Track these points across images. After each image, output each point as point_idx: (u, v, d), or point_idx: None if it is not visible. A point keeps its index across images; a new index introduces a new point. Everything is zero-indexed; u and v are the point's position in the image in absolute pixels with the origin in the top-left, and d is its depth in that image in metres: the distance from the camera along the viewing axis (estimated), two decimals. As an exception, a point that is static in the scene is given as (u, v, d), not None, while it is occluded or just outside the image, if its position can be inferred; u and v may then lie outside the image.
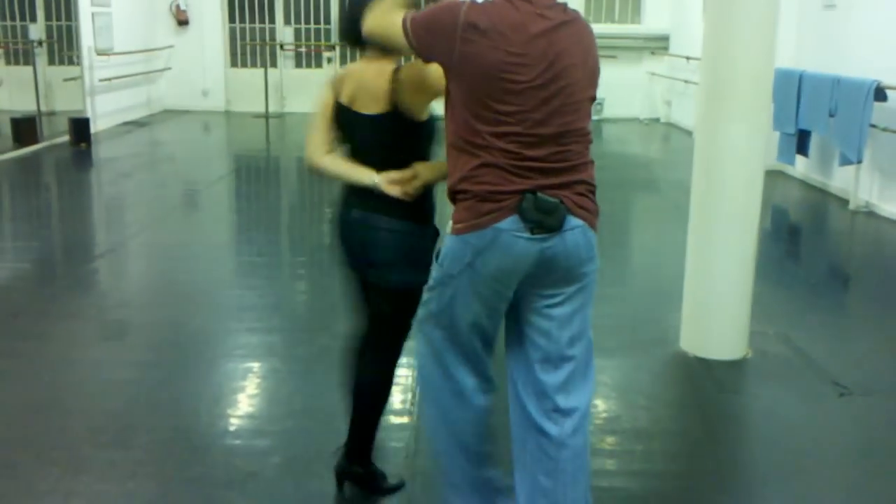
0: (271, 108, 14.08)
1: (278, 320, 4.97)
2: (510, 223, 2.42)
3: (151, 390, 4.01)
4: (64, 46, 13.39)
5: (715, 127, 4.24)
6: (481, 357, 2.70)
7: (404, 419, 3.75)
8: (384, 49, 2.74)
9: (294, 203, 8.79)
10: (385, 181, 2.75)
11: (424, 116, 2.80)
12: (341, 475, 3.11)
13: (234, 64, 14.81)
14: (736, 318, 4.41)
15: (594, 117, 14.17)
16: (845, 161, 7.81)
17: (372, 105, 2.78)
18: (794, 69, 8.88)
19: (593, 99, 2.63)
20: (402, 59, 2.82)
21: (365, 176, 2.78)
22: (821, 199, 8.50)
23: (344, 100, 2.83)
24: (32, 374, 4.17)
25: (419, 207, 2.83)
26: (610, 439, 3.61)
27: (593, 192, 2.61)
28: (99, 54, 11.91)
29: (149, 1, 14.00)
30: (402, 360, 4.38)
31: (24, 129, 10.75)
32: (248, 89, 14.37)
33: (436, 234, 2.90)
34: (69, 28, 12.89)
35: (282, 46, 14.58)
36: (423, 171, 2.75)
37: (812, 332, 4.85)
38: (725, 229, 4.31)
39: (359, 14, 2.69)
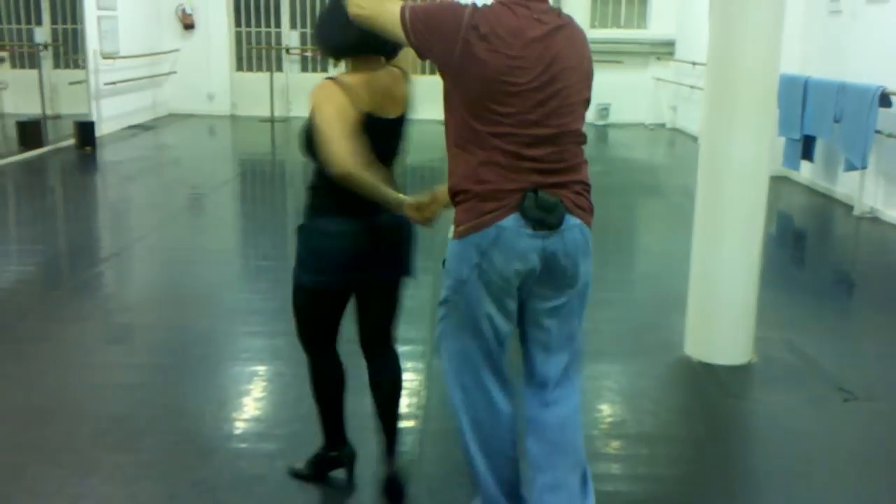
0: (277, 113, 14.10)
1: (284, 324, 4.93)
2: (512, 221, 2.47)
3: (157, 393, 4.02)
4: (69, 50, 13.43)
5: (720, 132, 4.25)
6: (502, 362, 2.71)
7: (411, 423, 3.75)
8: (370, 56, 2.81)
9: (299, 207, 8.78)
10: (411, 205, 2.75)
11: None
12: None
13: (239, 68, 14.83)
14: (741, 323, 4.41)
15: (600, 122, 14.23)
16: (850, 167, 7.81)
17: (393, 109, 2.86)
18: (799, 75, 8.88)
19: (588, 101, 2.68)
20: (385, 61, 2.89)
21: (391, 195, 2.75)
22: (826, 205, 8.50)
23: (366, 108, 2.78)
24: (38, 377, 4.18)
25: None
26: (615, 443, 3.62)
27: (589, 192, 2.68)
28: (104, 58, 11.93)
29: (154, 5, 14.03)
30: (408, 364, 4.43)
31: (30, 132, 10.77)
32: (253, 93, 14.40)
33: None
34: (75, 32, 12.93)
35: (287, 51, 14.61)
36: (440, 195, 2.73)
37: (817, 338, 4.85)
38: (730, 234, 4.32)
39: (339, 21, 2.71)
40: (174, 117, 14.29)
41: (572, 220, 2.57)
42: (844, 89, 7.95)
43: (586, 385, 4.24)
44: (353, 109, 2.74)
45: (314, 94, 2.79)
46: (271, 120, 13.93)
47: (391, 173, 2.94)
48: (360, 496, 3.17)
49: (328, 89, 2.78)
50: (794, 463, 3.51)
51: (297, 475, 3.23)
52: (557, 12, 2.58)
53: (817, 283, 6.19)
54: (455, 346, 2.67)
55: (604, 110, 14.34)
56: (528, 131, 2.47)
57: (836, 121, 8.05)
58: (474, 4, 2.50)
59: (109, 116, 12.18)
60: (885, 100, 7.39)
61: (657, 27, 14.41)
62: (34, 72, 12.43)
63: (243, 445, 3.54)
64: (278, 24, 14.71)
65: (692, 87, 12.54)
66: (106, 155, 10.85)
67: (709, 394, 4.16)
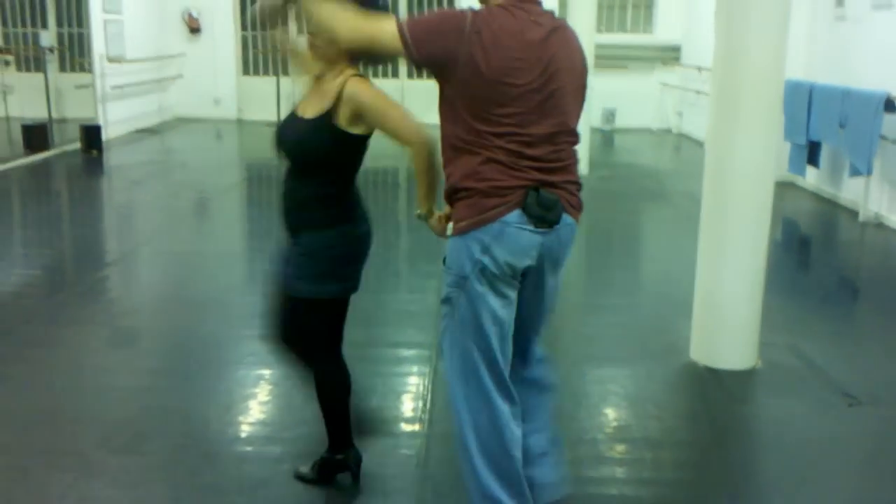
0: (283, 117, 14.10)
1: (289, 328, 4.98)
2: (515, 217, 2.55)
3: (163, 397, 4.03)
4: (75, 53, 13.47)
5: (726, 138, 4.25)
6: (505, 356, 2.73)
7: (416, 427, 3.76)
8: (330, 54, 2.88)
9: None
10: (441, 216, 2.88)
11: None
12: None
13: (246, 72, 14.86)
14: (746, 328, 4.41)
15: (605, 127, 14.24)
16: (855, 172, 7.80)
17: None
18: (804, 81, 8.88)
19: (582, 101, 2.76)
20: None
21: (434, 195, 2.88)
22: (831, 211, 8.49)
23: None
24: (44, 380, 4.20)
25: None
26: (620, 448, 3.62)
27: (580, 190, 2.75)
28: (110, 61, 11.97)
29: (161, 8, 14.07)
30: (414, 367, 4.44)
31: (36, 136, 10.82)
32: (260, 97, 14.41)
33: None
34: (80, 35, 12.98)
35: (293, 55, 14.62)
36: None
37: (822, 343, 4.84)
38: (736, 240, 4.32)
39: None
40: (180, 121, 14.33)
41: (567, 219, 2.65)
42: (849, 95, 7.95)
43: (592, 389, 4.26)
44: None
45: (361, 90, 2.84)
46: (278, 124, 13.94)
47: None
48: (367, 499, 3.17)
49: (368, 83, 2.90)
50: (798, 468, 3.50)
51: (302, 479, 3.24)
52: (552, 15, 2.65)
53: (822, 288, 6.18)
54: (458, 343, 2.70)
55: (609, 115, 14.35)
56: (529, 130, 2.55)
57: (842, 126, 8.05)
58: (472, 9, 2.56)
59: (116, 120, 12.22)
60: (890, 105, 7.39)
61: (663, 32, 14.43)
62: (40, 75, 12.45)
63: (248, 449, 3.54)
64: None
65: (698, 92, 12.54)
66: (112, 159, 10.88)
67: (714, 398, 4.16)
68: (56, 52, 13.68)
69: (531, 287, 2.72)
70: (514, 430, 2.75)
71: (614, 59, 13.66)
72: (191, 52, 14.43)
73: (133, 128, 12.94)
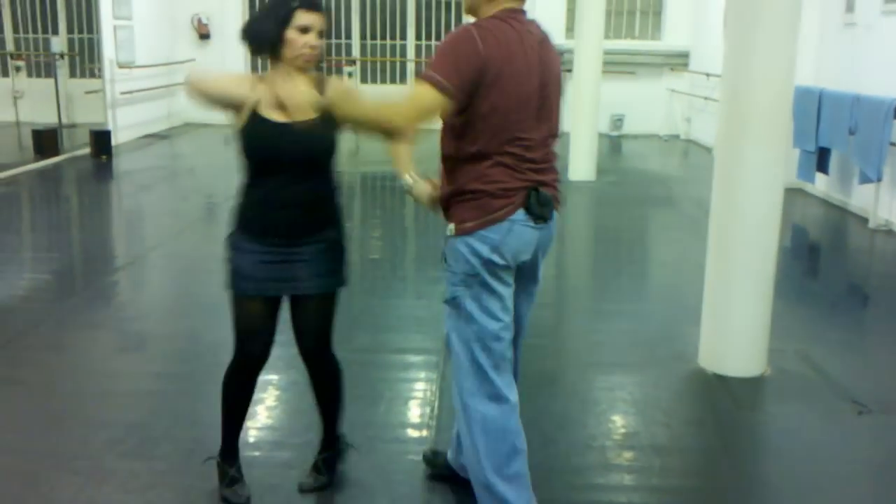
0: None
1: (297, 333, 4.98)
2: (521, 215, 2.72)
3: (172, 401, 4.04)
4: (86, 59, 13.54)
5: (735, 144, 4.25)
6: (507, 353, 2.84)
7: (423, 433, 3.76)
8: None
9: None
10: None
11: None
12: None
13: (254, 77, 14.87)
14: (755, 335, 4.40)
15: (614, 133, 14.25)
16: (865, 179, 7.78)
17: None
18: (813, 87, 8.87)
19: (560, 105, 2.92)
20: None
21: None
22: (840, 218, 8.47)
23: None
24: (53, 384, 4.21)
25: None
26: (628, 455, 3.61)
27: (559, 183, 2.93)
28: (120, 67, 12.02)
29: (170, 14, 14.12)
30: (421, 373, 4.44)
31: (46, 141, 10.86)
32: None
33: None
34: (91, 41, 13.05)
35: (302, 61, 14.66)
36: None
37: (831, 350, 4.83)
38: (745, 246, 4.31)
39: (259, 17, 2.87)
40: (189, 126, 14.37)
41: (555, 214, 2.85)
42: (859, 101, 7.94)
43: (600, 396, 4.25)
44: None
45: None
46: (285, 129, 13.96)
47: None
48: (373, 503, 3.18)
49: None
50: (807, 476, 3.49)
51: (309, 489, 3.24)
52: (536, 24, 2.80)
53: (832, 295, 6.17)
54: (465, 339, 2.79)
55: (618, 121, 14.35)
56: (529, 135, 2.71)
57: (851, 133, 8.03)
58: (473, 25, 2.65)
59: (125, 125, 12.26)
60: (899, 112, 7.37)
61: (671, 38, 14.42)
62: (50, 81, 12.52)
63: (257, 454, 3.55)
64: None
65: (706, 98, 12.53)
66: (121, 164, 10.92)
67: (722, 406, 4.15)
68: (66, 58, 13.75)
69: (525, 279, 2.89)
70: (518, 424, 2.87)
71: (622, 65, 13.66)
72: (200, 58, 14.46)
73: (142, 133, 12.98)
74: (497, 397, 2.81)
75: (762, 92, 4.15)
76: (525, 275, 2.88)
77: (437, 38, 14.63)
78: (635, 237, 7.93)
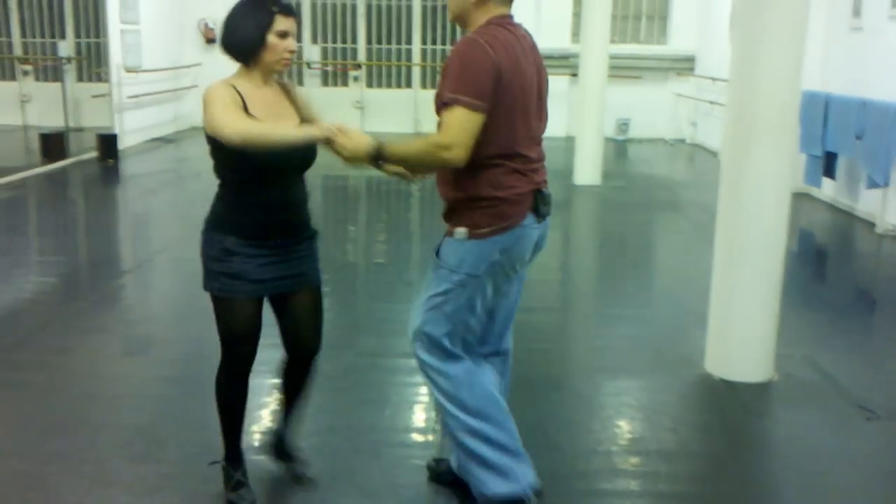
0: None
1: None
2: (530, 218, 2.84)
3: (178, 405, 4.04)
4: (93, 63, 13.58)
5: (742, 149, 4.24)
6: (474, 346, 3.01)
7: (428, 437, 3.76)
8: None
9: (317, 221, 8.82)
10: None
11: None
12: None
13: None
14: (762, 340, 4.39)
15: (619, 137, 14.24)
16: (872, 184, 7.77)
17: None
18: (820, 92, 8.85)
19: None
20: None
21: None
22: (847, 222, 8.45)
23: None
24: (60, 387, 4.22)
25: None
26: (634, 460, 3.60)
27: None
28: (127, 71, 12.04)
29: (177, 19, 14.16)
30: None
31: (53, 144, 10.90)
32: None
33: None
34: (98, 45, 13.09)
35: (309, 65, 14.70)
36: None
37: (838, 356, 4.81)
38: (752, 251, 4.30)
39: (239, 23, 2.90)
40: (196, 130, 14.37)
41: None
42: (866, 106, 7.92)
43: (606, 401, 4.25)
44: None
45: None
46: (292, 133, 13.97)
47: None
48: (380, 510, 3.17)
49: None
50: (815, 482, 3.48)
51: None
52: (523, 28, 2.89)
53: (839, 300, 6.15)
54: (444, 330, 2.89)
55: (623, 125, 14.34)
56: (532, 135, 2.84)
57: (858, 137, 8.01)
58: (476, 35, 2.70)
59: (132, 129, 12.29)
60: (907, 117, 7.35)
61: (677, 43, 14.42)
62: (57, 85, 12.57)
63: (262, 457, 3.54)
64: (299, 39, 14.70)
65: (712, 102, 12.52)
66: (128, 167, 10.95)
67: (729, 411, 4.14)
68: (74, 62, 13.80)
69: (519, 277, 3.02)
70: (495, 391, 3.00)
71: (628, 69, 13.66)
72: (207, 62, 14.48)
73: (149, 137, 13.01)
74: (460, 359, 2.94)
75: (770, 96, 4.15)
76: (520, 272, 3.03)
77: (443, 42, 14.65)
78: (641, 241, 7.92)
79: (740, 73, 4.24)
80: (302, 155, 2.97)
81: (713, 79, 12.45)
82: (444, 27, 14.60)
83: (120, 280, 6.21)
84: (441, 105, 2.67)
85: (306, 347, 3.23)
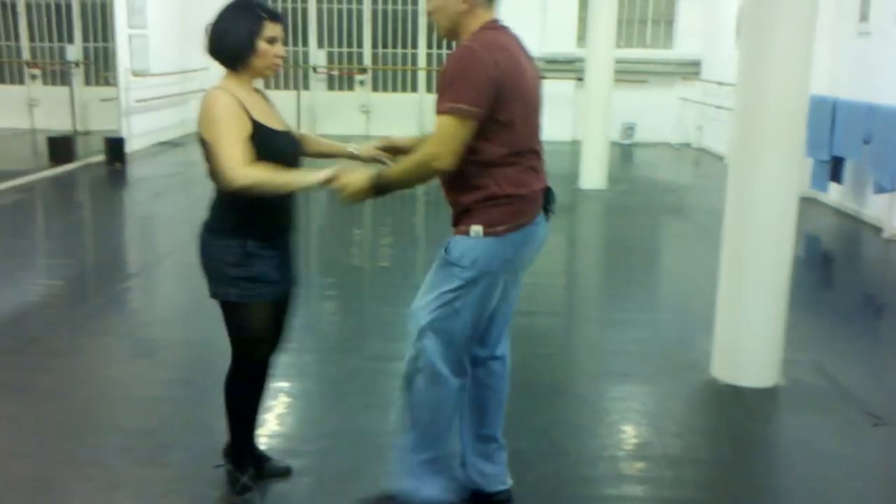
0: (304, 130, 14.17)
1: (309, 341, 4.98)
2: (541, 216, 2.91)
3: (185, 408, 4.05)
4: (101, 67, 13.61)
5: (749, 154, 4.24)
6: (478, 339, 3.03)
7: (434, 442, 3.75)
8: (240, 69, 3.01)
9: (324, 225, 8.84)
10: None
11: None
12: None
13: (267, 86, 14.93)
14: (768, 345, 4.38)
15: (625, 141, 14.23)
16: (880, 189, 7.75)
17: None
18: (827, 96, 8.84)
19: None
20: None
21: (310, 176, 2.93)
22: (854, 227, 8.43)
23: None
24: (66, 390, 4.22)
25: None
26: (640, 465, 3.60)
27: None
28: (135, 75, 12.08)
29: (184, 23, 14.17)
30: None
31: (61, 148, 10.93)
32: (280, 111, 14.46)
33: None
34: (106, 49, 13.12)
35: (315, 69, 14.72)
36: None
37: (845, 361, 4.80)
38: (758, 256, 4.29)
39: (228, 29, 2.95)
40: (202, 134, 14.40)
41: None
42: (873, 111, 7.91)
43: (611, 406, 4.24)
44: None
45: None
46: (298, 137, 14.00)
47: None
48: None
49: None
50: (821, 488, 3.47)
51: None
52: (511, 31, 2.93)
53: (846, 305, 6.14)
54: (451, 326, 2.88)
55: (629, 129, 14.34)
56: (538, 134, 2.91)
57: (866, 142, 8.00)
58: (476, 43, 2.72)
59: (139, 133, 12.32)
60: (914, 122, 7.34)
61: (683, 47, 14.41)
62: (65, 89, 12.61)
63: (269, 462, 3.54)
64: (305, 43, 14.83)
65: (718, 107, 12.51)
66: (135, 171, 10.97)
67: (735, 417, 4.13)
68: (81, 66, 13.84)
69: (519, 278, 3.05)
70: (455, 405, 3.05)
71: (634, 73, 13.65)
72: (213, 67, 14.49)
73: (156, 140, 13.04)
74: (460, 373, 2.96)
75: (777, 101, 4.14)
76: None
77: (449, 46, 14.64)
78: (647, 246, 7.91)
79: (747, 78, 4.24)
80: (293, 150, 3.15)
81: (719, 83, 12.44)
82: (450, 31, 14.61)
83: (127, 283, 6.23)
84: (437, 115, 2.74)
85: (279, 347, 3.29)
